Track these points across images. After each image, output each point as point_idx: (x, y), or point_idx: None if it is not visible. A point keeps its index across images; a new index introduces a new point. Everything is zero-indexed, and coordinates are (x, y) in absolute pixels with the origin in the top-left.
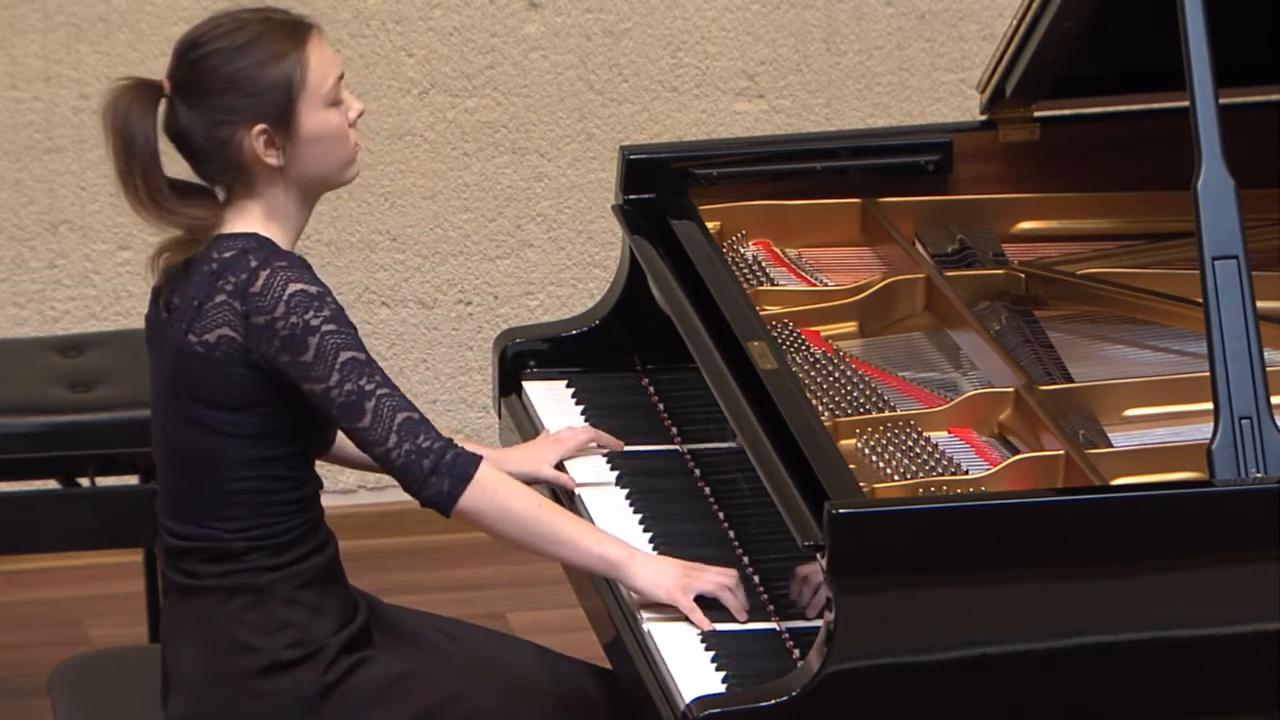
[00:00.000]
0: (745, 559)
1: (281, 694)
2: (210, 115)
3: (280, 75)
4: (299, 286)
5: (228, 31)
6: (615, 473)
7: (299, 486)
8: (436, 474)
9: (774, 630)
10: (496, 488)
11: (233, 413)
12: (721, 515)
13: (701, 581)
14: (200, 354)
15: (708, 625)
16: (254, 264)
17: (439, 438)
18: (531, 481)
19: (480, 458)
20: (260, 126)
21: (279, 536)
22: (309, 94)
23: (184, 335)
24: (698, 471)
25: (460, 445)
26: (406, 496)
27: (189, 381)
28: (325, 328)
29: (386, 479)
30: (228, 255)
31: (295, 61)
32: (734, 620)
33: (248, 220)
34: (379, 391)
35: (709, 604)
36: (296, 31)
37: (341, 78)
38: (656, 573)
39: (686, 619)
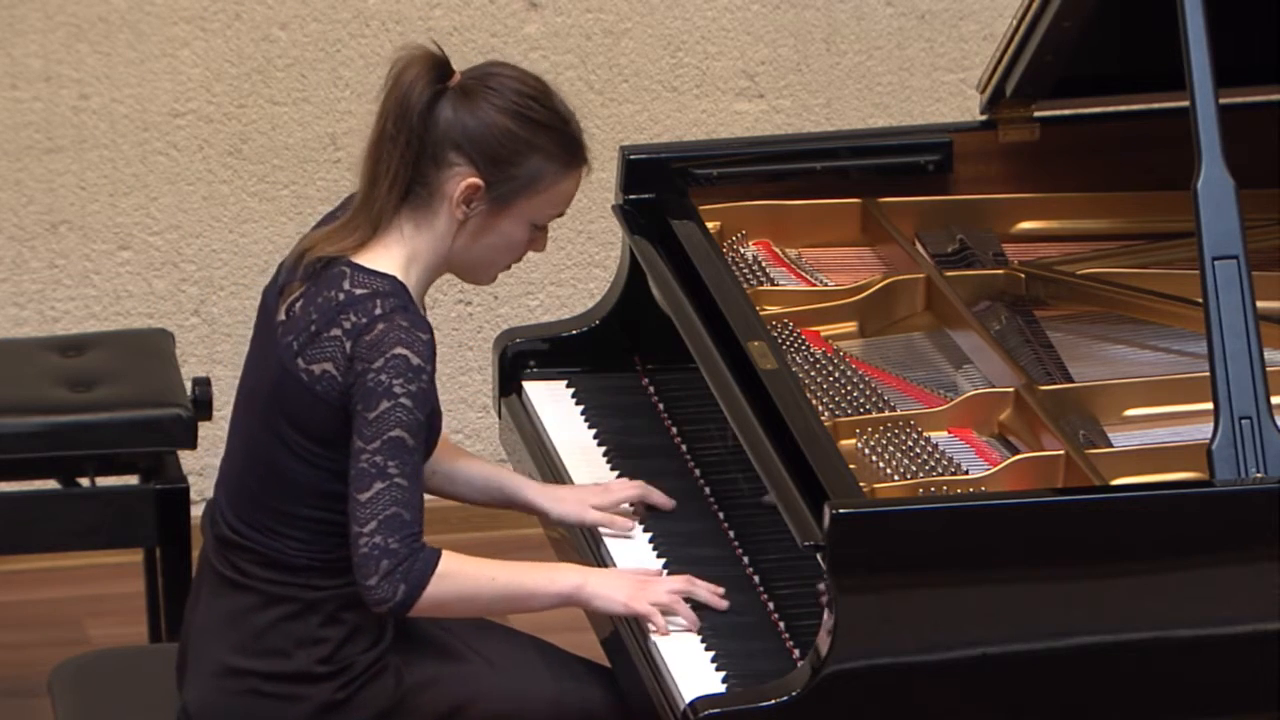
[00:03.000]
0: (745, 559)
1: (300, 699)
2: (458, 135)
3: (533, 171)
4: (405, 353)
5: (533, 98)
6: (615, 473)
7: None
8: (390, 579)
9: (774, 630)
10: (453, 580)
11: (321, 445)
12: (721, 515)
13: (655, 592)
14: (303, 381)
15: (665, 629)
16: (378, 312)
17: (412, 546)
18: (576, 525)
19: (438, 556)
20: (478, 182)
21: (339, 561)
22: (533, 206)
23: (293, 357)
24: (698, 471)
25: (425, 548)
26: None
27: (286, 401)
28: (403, 400)
29: None
30: (359, 292)
31: (552, 173)
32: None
33: (393, 255)
34: (396, 479)
35: (705, 609)
36: (576, 155)
37: (560, 216)
38: (610, 587)
39: (686, 619)
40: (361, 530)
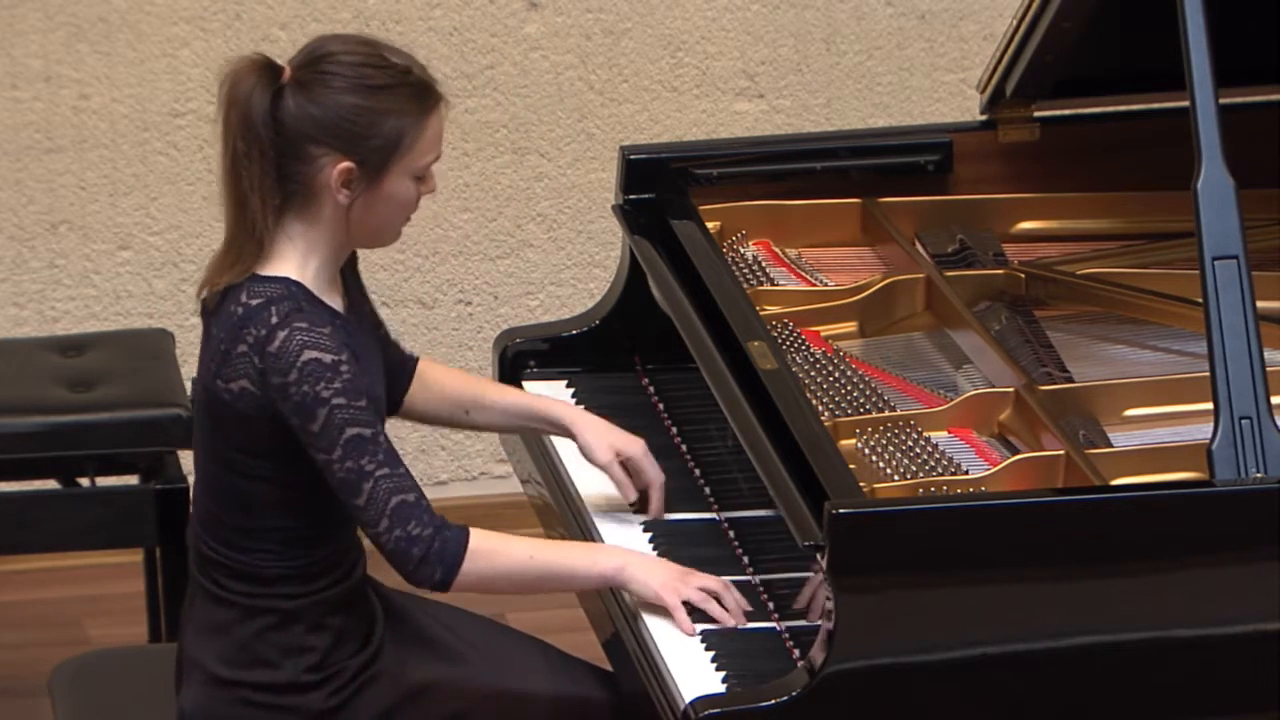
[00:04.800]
0: (745, 559)
1: (290, 709)
2: (311, 128)
3: (394, 132)
4: (314, 355)
5: (367, 66)
6: None
7: (330, 515)
8: (426, 563)
9: (774, 630)
10: (489, 558)
11: (261, 458)
12: (721, 515)
13: (689, 589)
14: (226, 400)
15: (691, 629)
16: (274, 320)
17: (429, 522)
18: (591, 460)
19: (467, 534)
20: (348, 165)
21: (311, 567)
22: (408, 162)
23: (213, 379)
24: (698, 471)
25: (449, 526)
26: None
27: (219, 423)
28: (335, 401)
29: None
30: (255, 303)
31: (412, 126)
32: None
33: (288, 254)
34: (378, 473)
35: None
36: (426, 98)
37: (439, 158)
38: (648, 573)
39: (718, 619)
40: (378, 530)
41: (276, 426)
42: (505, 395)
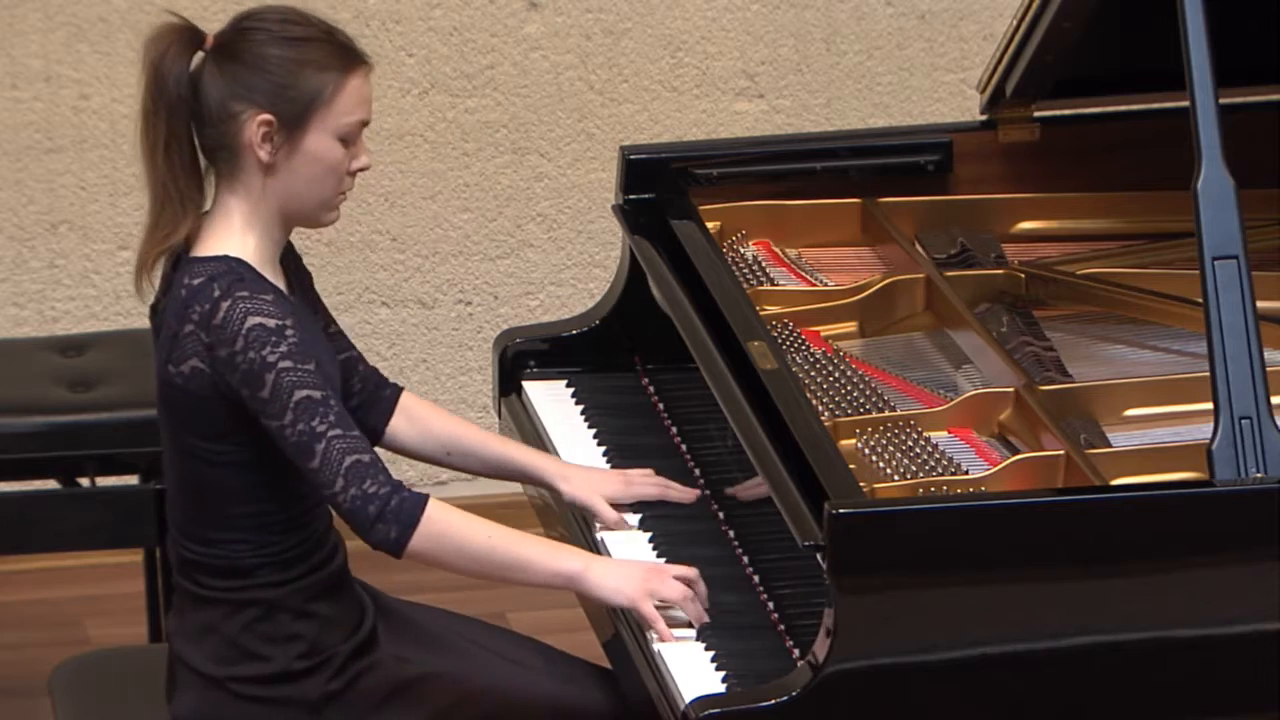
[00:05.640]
0: (745, 559)
1: (288, 699)
2: (232, 85)
3: (312, 84)
4: (257, 320)
5: (288, 21)
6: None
7: (300, 500)
8: (383, 520)
9: (774, 630)
10: (445, 527)
11: (217, 441)
12: (722, 516)
13: (665, 587)
14: (179, 385)
15: (670, 637)
16: (217, 294)
17: (386, 482)
18: (580, 507)
19: (426, 498)
20: (267, 117)
21: (287, 552)
22: (328, 116)
23: (164, 365)
24: (698, 471)
25: (407, 488)
26: None
27: (174, 410)
28: (282, 364)
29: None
30: (196, 283)
31: (332, 80)
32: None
33: (224, 233)
34: (330, 434)
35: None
36: (348, 57)
37: (366, 124)
38: (617, 578)
39: (686, 617)
40: (334, 491)
41: (230, 404)
42: (487, 443)
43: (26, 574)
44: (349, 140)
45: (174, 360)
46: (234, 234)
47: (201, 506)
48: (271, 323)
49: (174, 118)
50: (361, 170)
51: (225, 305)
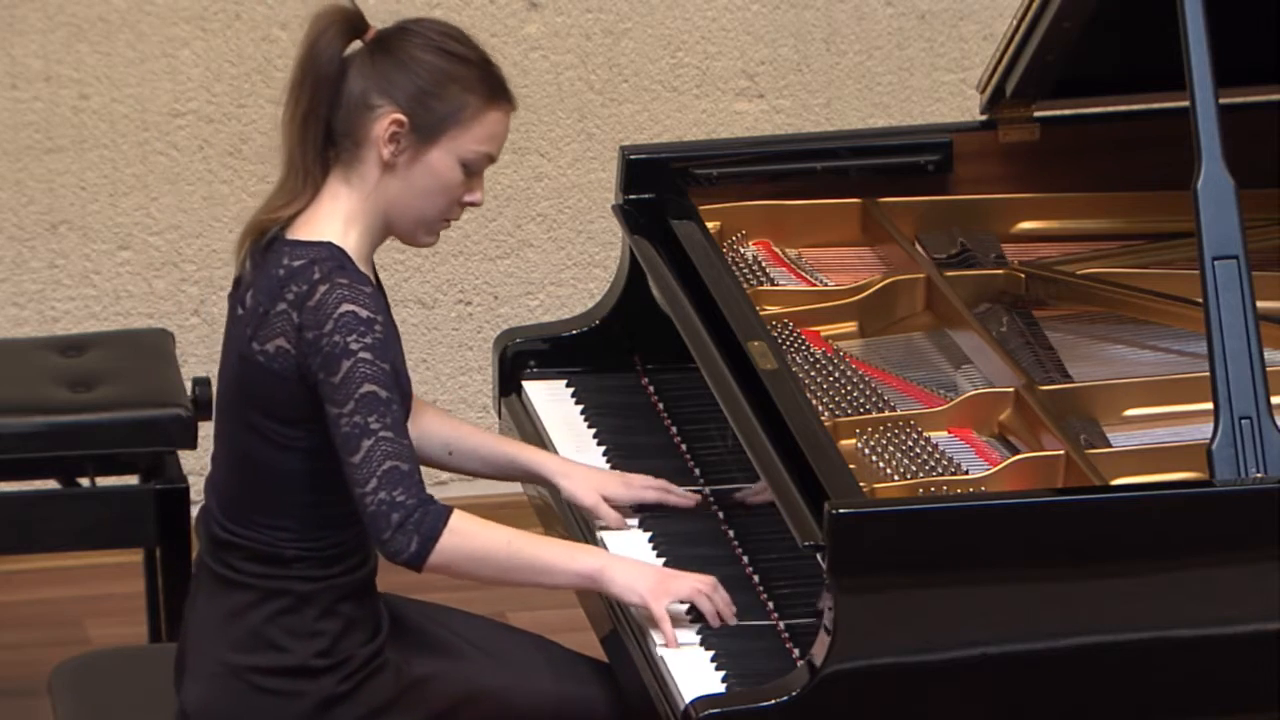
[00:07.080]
0: (745, 559)
1: (299, 694)
2: (378, 78)
3: (455, 101)
4: (351, 308)
5: (450, 37)
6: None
7: (352, 500)
8: (403, 530)
9: (774, 630)
10: (467, 539)
11: (290, 426)
12: (722, 516)
13: (678, 586)
14: (260, 363)
15: (675, 641)
16: (316, 277)
17: (416, 494)
18: (581, 506)
19: (450, 511)
20: (401, 117)
21: (329, 549)
22: (459, 138)
23: (248, 341)
24: (698, 471)
25: (434, 502)
26: None
27: (250, 388)
28: (362, 355)
29: None
30: (297, 264)
31: (474, 105)
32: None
33: (330, 220)
34: (381, 434)
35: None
36: (497, 90)
37: (492, 160)
38: (632, 577)
39: (685, 617)
40: (364, 490)
41: (310, 390)
42: (488, 442)
43: (26, 574)
44: (471, 170)
45: (259, 338)
46: (339, 223)
47: (253, 489)
48: (364, 313)
49: (317, 94)
50: (472, 204)
51: (323, 289)
